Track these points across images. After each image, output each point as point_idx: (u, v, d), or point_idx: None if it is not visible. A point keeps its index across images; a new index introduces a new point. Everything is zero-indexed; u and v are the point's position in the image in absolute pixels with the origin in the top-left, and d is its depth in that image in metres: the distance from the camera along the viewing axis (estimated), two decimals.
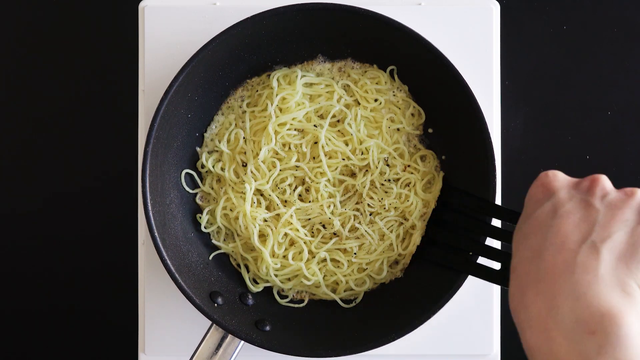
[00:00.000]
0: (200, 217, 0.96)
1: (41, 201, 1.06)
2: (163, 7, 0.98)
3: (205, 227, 0.96)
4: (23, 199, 1.06)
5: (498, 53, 0.99)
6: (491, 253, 0.88)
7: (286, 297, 0.97)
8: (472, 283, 0.96)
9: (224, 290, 0.94)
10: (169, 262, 0.89)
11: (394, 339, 0.88)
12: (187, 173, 0.96)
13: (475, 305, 0.98)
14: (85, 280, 1.06)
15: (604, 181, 0.63)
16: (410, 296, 0.94)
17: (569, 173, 1.07)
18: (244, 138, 0.95)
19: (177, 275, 0.89)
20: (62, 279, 1.06)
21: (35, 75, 1.06)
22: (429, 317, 0.88)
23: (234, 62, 0.94)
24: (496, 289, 0.98)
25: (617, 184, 1.06)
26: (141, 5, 0.99)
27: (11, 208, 1.06)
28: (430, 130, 0.97)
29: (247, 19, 0.89)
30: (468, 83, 0.89)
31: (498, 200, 0.99)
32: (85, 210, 1.06)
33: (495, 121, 0.99)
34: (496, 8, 0.99)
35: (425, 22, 0.97)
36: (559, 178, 0.66)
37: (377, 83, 0.96)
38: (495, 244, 0.94)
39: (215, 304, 0.91)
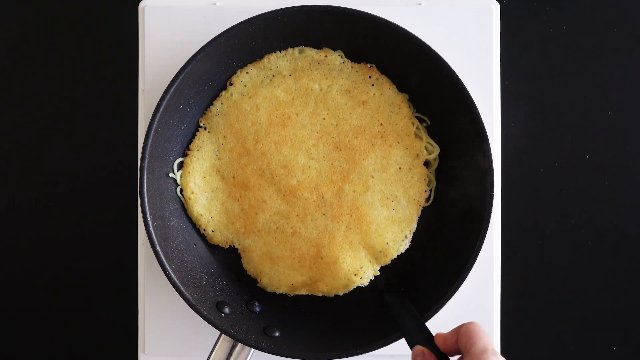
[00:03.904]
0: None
1: (41, 201, 1.06)
2: (163, 7, 0.98)
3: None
4: (22, 198, 1.06)
5: (498, 53, 0.99)
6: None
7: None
8: (472, 284, 0.96)
9: (230, 299, 0.94)
10: (173, 275, 0.89)
11: (401, 337, 0.89)
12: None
13: (475, 305, 0.98)
14: (85, 280, 1.06)
15: None
16: (414, 295, 0.94)
17: (569, 173, 1.08)
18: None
19: (182, 289, 0.89)
20: (62, 278, 1.06)
21: (35, 75, 1.06)
22: (434, 313, 0.89)
23: (222, 70, 0.94)
24: (496, 289, 0.98)
25: (617, 184, 1.06)
26: (141, 5, 0.98)
27: (10, 208, 1.06)
28: (423, 125, 0.97)
29: (232, 27, 0.89)
30: (467, 81, 0.89)
31: (498, 201, 0.99)
32: (85, 210, 1.06)
33: (495, 121, 0.99)
34: (496, 8, 0.99)
35: (425, 22, 0.97)
36: None
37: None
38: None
39: (223, 314, 0.91)
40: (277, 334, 0.92)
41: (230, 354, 0.90)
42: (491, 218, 0.89)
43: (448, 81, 0.89)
